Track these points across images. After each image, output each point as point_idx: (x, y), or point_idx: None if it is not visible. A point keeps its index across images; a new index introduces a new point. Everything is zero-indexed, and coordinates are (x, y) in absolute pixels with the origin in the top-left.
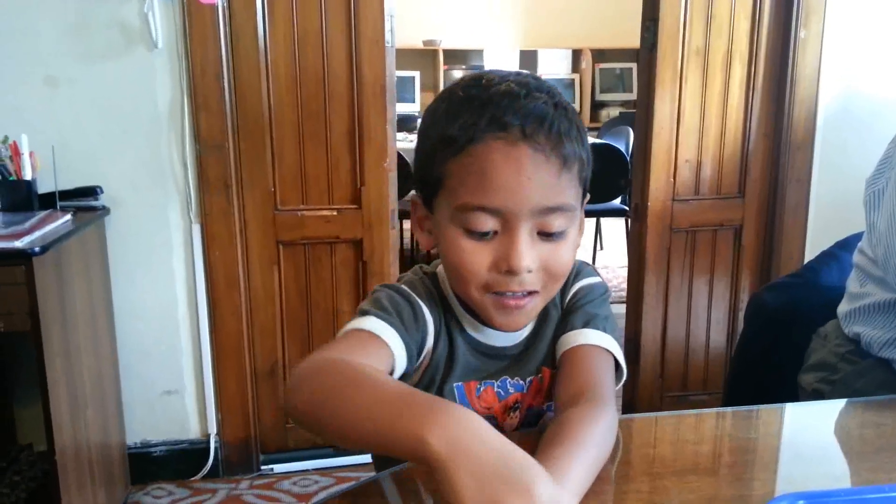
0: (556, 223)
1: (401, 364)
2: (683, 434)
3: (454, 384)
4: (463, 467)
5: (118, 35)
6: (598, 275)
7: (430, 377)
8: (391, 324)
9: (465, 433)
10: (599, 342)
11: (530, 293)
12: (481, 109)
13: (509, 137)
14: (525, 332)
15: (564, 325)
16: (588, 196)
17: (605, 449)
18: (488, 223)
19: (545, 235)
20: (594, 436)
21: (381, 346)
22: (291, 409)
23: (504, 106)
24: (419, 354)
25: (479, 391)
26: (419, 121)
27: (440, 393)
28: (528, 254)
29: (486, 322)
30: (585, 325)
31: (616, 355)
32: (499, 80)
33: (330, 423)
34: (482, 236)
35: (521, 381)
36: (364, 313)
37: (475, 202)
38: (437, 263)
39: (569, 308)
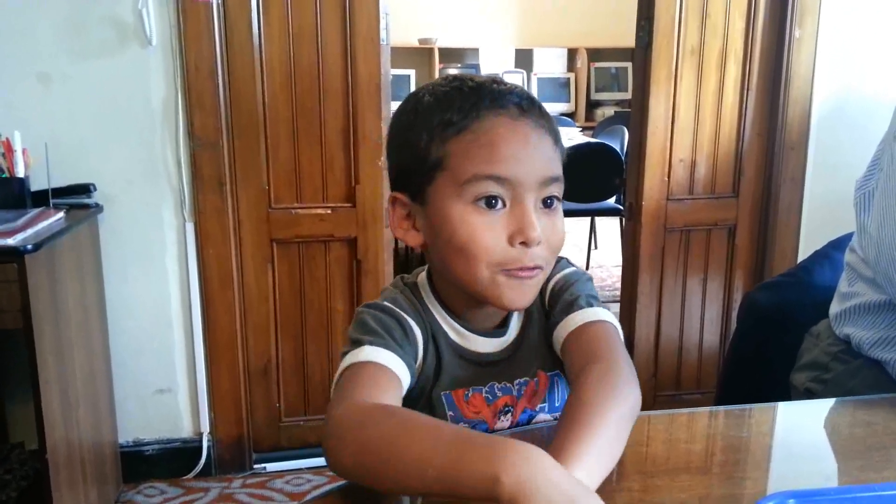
0: (554, 193)
1: (406, 384)
2: (676, 433)
3: (441, 392)
4: (544, 498)
5: (112, 32)
6: (573, 265)
7: (421, 388)
8: (388, 347)
9: (537, 473)
10: (589, 318)
11: (536, 267)
12: (476, 93)
13: (510, 113)
14: (510, 338)
15: (551, 323)
16: None
17: (624, 410)
18: (498, 196)
19: (544, 208)
20: (609, 402)
21: (387, 374)
22: (339, 465)
23: (496, 90)
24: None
25: (468, 396)
26: (391, 126)
27: (429, 401)
28: (538, 224)
29: (495, 302)
30: (569, 311)
31: (610, 321)
32: (475, 75)
33: (386, 472)
34: (492, 210)
35: (509, 384)
36: (358, 343)
37: (486, 172)
38: (417, 272)
39: (551, 304)
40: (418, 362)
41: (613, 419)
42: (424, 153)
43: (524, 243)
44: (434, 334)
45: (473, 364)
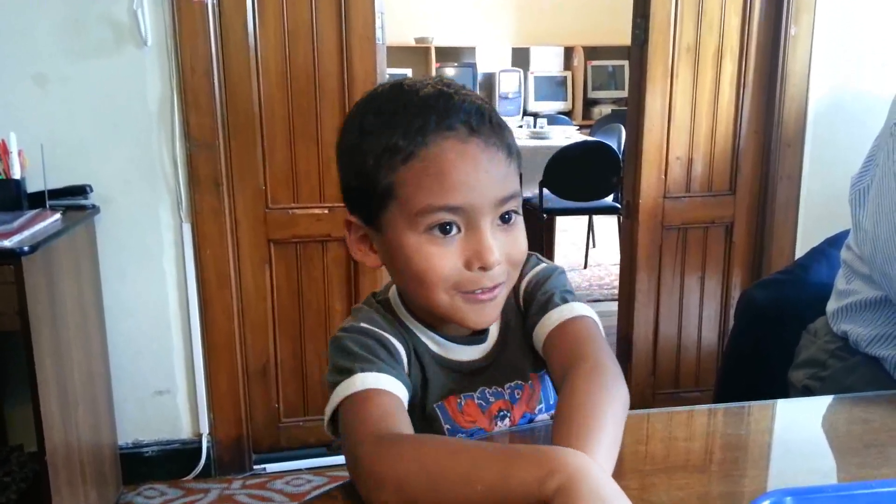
0: (512, 208)
1: (406, 402)
2: (674, 431)
3: (434, 404)
4: (592, 490)
5: (107, 32)
6: (544, 260)
7: (411, 404)
8: (380, 369)
9: (585, 470)
10: (566, 315)
11: (497, 286)
12: (422, 113)
13: (458, 135)
14: (491, 343)
15: (529, 323)
16: None
17: (617, 405)
18: (452, 223)
19: (503, 225)
20: (603, 400)
21: (390, 398)
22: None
23: (443, 106)
24: None
25: (461, 405)
26: (338, 141)
27: (423, 414)
28: (496, 247)
29: (459, 323)
30: (545, 309)
31: (588, 315)
32: (421, 85)
33: (433, 499)
34: (447, 237)
35: (500, 389)
36: (347, 371)
37: (438, 203)
38: (388, 286)
39: (526, 304)
40: None
41: (610, 420)
42: (373, 180)
43: (482, 268)
44: (415, 348)
45: (458, 373)
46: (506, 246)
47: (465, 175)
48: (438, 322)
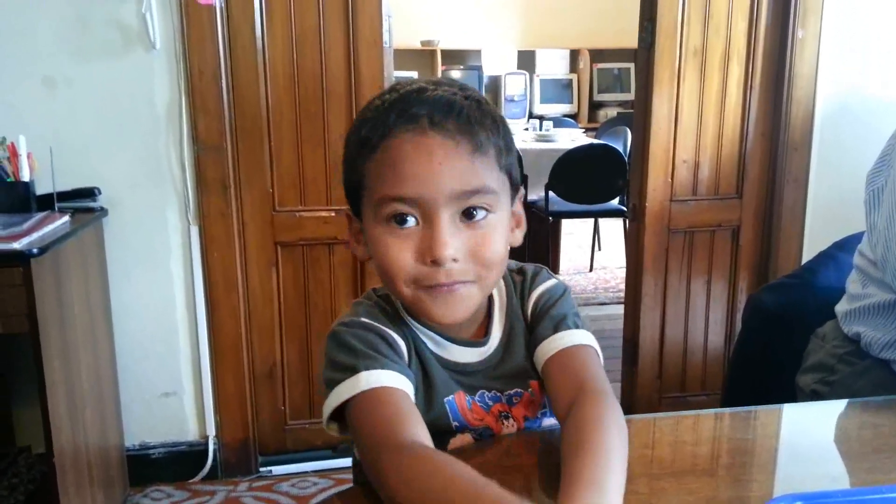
0: (477, 206)
1: (412, 396)
2: (681, 435)
3: (444, 399)
4: None
5: (116, 35)
6: (554, 276)
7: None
8: (384, 366)
9: None
10: (575, 341)
11: (460, 283)
12: (391, 107)
13: (418, 128)
14: (491, 348)
15: (535, 337)
16: (522, 191)
17: (624, 443)
18: (408, 214)
19: (468, 221)
20: (612, 436)
21: (399, 395)
22: None
23: (412, 100)
24: None
25: (470, 403)
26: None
27: (429, 410)
28: (451, 242)
29: (426, 318)
30: (556, 329)
31: (594, 346)
32: (413, 82)
33: None
34: (403, 229)
35: (499, 394)
36: (350, 369)
37: (392, 193)
38: None
39: (534, 317)
40: None
41: (618, 458)
42: (351, 172)
43: (434, 262)
44: (415, 344)
45: (457, 373)
46: (470, 243)
47: (418, 167)
48: (421, 318)
